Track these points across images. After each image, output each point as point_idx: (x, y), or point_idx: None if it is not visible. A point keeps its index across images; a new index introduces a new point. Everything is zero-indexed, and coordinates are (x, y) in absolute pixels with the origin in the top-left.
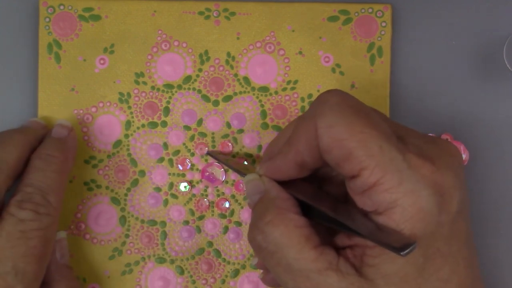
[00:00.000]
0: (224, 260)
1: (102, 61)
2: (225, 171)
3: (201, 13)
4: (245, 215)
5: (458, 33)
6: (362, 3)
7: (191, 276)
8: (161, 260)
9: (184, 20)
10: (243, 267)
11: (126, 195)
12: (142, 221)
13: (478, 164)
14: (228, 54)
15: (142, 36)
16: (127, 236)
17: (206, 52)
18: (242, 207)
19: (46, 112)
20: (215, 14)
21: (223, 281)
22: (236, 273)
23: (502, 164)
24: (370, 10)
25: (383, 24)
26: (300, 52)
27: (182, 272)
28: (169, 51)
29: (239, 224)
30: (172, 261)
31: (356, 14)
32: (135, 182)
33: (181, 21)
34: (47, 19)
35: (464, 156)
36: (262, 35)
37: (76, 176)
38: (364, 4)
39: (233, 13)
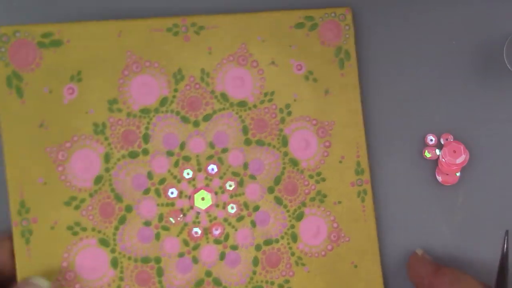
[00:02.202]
0: (225, 287)
1: (70, 91)
2: (216, 193)
3: (169, 29)
4: (239, 236)
5: (458, 33)
6: (324, 8)
7: None
8: None
9: (153, 39)
10: None
11: (114, 234)
12: (136, 260)
13: (478, 164)
14: (202, 70)
15: (110, 59)
16: (121, 279)
17: (180, 70)
18: (236, 230)
19: (14, 156)
20: (183, 30)
21: None
22: None
23: (502, 164)
24: (333, 15)
25: (347, 27)
26: (273, 62)
27: None
28: (141, 73)
29: (235, 247)
30: None
31: (321, 19)
32: (123, 219)
33: (150, 40)
34: (3, 49)
35: (464, 156)
36: (234, 47)
37: (58, 221)
38: (327, 8)
39: (201, 27)
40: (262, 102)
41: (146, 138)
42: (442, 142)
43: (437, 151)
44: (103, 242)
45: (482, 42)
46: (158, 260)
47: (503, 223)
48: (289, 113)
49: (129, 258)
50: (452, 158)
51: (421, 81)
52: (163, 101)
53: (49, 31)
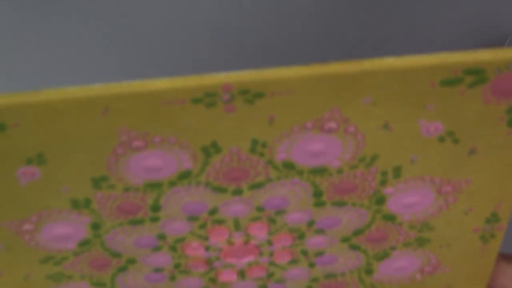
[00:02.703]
0: None
1: (29, 174)
2: (259, 246)
3: (197, 100)
4: (291, 273)
5: (459, 33)
6: (506, 52)
7: None
8: None
9: (165, 112)
10: None
11: (113, 279)
12: None
13: None
14: (254, 141)
15: (91, 139)
16: None
17: (214, 143)
18: (285, 270)
19: None
20: (225, 99)
21: None
22: None
23: None
24: None
25: None
26: (386, 126)
27: None
28: (147, 150)
29: (282, 281)
30: None
31: (497, 72)
32: (123, 269)
33: (160, 114)
34: None
35: None
36: (316, 113)
37: (31, 274)
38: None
39: (259, 95)
40: (353, 167)
41: (155, 208)
42: None
43: None
44: (98, 284)
45: (482, 42)
46: None
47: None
48: (397, 175)
49: None
50: None
51: None
52: (184, 175)
53: None
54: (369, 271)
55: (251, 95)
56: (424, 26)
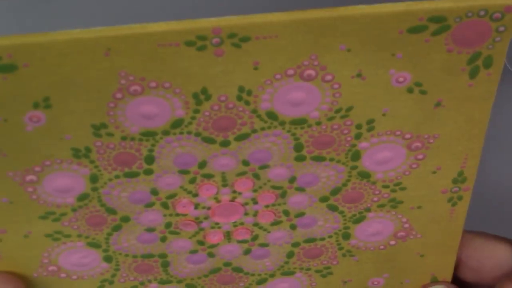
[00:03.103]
0: (247, 273)
1: (35, 119)
2: (245, 204)
3: (189, 43)
4: (273, 236)
5: None
6: (467, 0)
7: None
8: (165, 281)
9: (161, 56)
10: (272, 275)
11: (107, 238)
12: (135, 256)
13: (478, 164)
14: (241, 88)
15: (93, 83)
16: (117, 269)
17: (204, 90)
18: (269, 232)
19: None
20: (214, 42)
21: None
22: (263, 280)
23: (502, 164)
24: (482, 13)
25: (501, 28)
26: (359, 75)
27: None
28: (143, 95)
29: (265, 245)
30: (180, 281)
31: (458, 19)
32: (118, 227)
33: (157, 57)
34: None
35: None
36: (297, 60)
37: (32, 231)
38: (473, 1)
39: (246, 38)
40: (331, 118)
41: (149, 159)
42: None
43: None
44: (93, 244)
45: None
46: (163, 256)
47: (502, 223)
48: (371, 128)
49: (126, 255)
50: None
51: None
52: (176, 123)
53: None
54: (346, 236)
55: (238, 39)
56: None
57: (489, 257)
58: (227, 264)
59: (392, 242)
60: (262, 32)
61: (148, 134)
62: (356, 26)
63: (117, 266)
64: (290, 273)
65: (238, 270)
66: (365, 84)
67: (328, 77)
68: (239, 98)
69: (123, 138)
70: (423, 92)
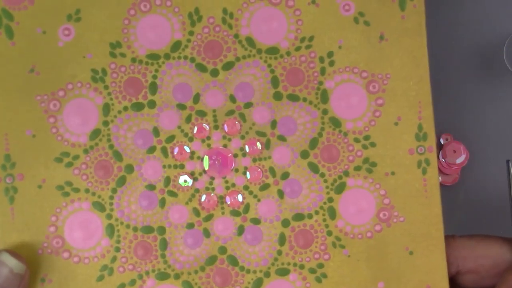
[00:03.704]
0: (243, 268)
1: (66, 32)
2: (235, 156)
3: None
4: (263, 208)
5: (458, 33)
6: None
7: None
8: (163, 276)
9: None
10: (267, 274)
11: (111, 198)
12: (135, 229)
13: (478, 164)
14: (225, 10)
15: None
16: (117, 249)
17: (197, 10)
18: (259, 200)
19: (1, 103)
20: None
21: None
22: (259, 283)
23: (502, 164)
24: None
25: None
26: (314, 1)
27: None
28: (150, 13)
29: (257, 221)
30: (177, 276)
31: None
32: (122, 181)
33: None
34: None
35: (464, 156)
36: None
37: (46, 179)
38: None
39: None
40: (298, 48)
41: (153, 88)
42: (442, 142)
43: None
44: (98, 206)
45: (482, 42)
46: (162, 231)
47: (502, 223)
48: (332, 63)
49: (128, 226)
50: (452, 158)
51: None
52: (175, 46)
53: None
54: (332, 213)
55: None
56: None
57: (485, 256)
58: (222, 250)
59: (378, 227)
60: None
61: (153, 57)
62: None
63: (117, 243)
64: (285, 272)
65: (234, 262)
66: (319, 12)
67: (290, 3)
68: (224, 21)
69: (133, 60)
70: (366, 23)
